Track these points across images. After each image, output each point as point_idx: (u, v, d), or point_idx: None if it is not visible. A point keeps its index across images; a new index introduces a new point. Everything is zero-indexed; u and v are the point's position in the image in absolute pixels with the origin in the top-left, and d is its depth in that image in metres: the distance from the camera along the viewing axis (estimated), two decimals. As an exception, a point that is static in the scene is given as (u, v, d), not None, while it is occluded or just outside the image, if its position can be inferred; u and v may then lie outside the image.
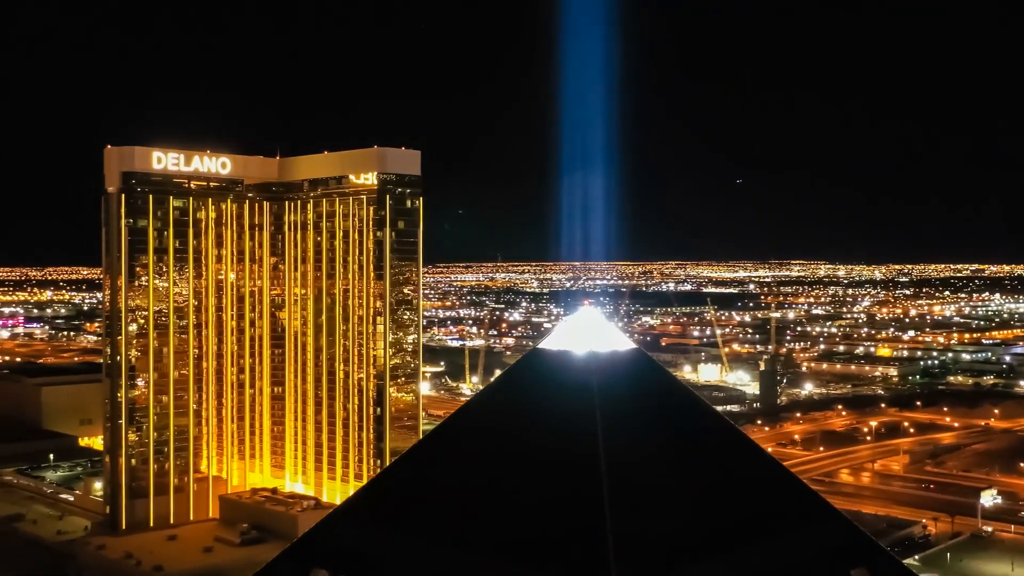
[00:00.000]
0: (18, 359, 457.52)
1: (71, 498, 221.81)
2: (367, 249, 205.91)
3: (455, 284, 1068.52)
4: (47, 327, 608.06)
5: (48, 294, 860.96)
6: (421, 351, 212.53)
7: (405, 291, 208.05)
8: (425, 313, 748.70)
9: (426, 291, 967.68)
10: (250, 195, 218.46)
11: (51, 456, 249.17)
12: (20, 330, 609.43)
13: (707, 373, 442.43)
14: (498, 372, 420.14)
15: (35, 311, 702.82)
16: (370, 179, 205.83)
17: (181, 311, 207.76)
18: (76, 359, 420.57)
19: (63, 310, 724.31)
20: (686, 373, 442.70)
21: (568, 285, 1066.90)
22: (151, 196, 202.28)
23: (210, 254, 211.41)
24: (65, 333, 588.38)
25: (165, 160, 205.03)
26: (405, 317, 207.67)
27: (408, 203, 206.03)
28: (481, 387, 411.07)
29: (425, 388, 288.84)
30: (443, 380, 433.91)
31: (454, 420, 66.80)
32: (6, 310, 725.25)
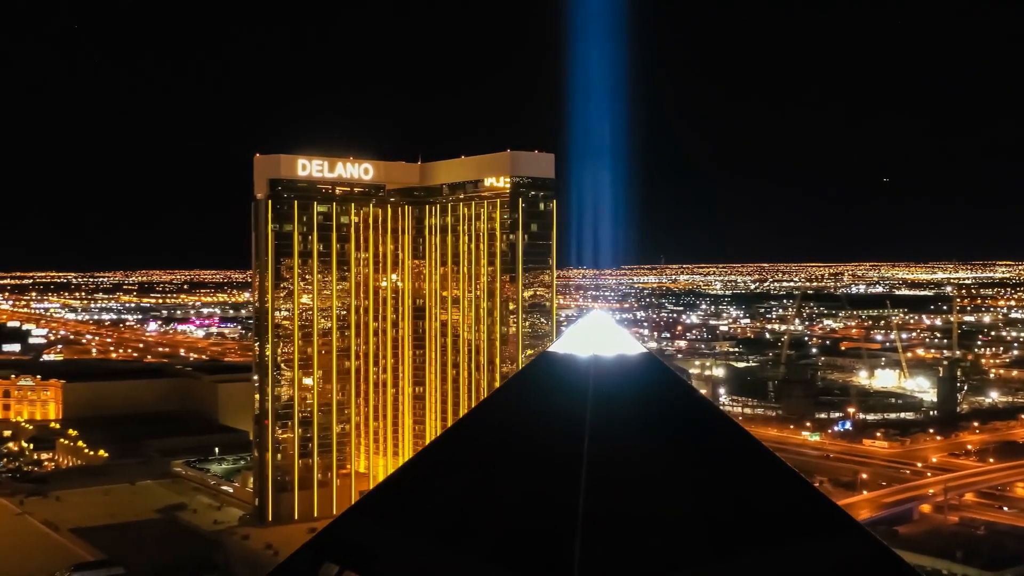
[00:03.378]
0: (206, 357, 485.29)
1: (230, 490, 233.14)
2: (500, 252, 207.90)
3: (636, 286, 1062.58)
4: (239, 327, 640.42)
5: (247, 295, 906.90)
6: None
7: (539, 293, 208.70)
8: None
9: (606, 293, 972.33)
10: (392, 199, 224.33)
11: (216, 449, 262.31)
12: (214, 330, 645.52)
13: (884, 378, 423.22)
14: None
15: (231, 312, 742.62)
16: (504, 182, 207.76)
17: (325, 313, 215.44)
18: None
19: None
20: (861, 378, 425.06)
21: (753, 287, 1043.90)
22: (296, 202, 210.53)
23: (352, 257, 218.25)
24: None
25: (309, 167, 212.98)
26: (538, 319, 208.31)
27: (541, 206, 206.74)
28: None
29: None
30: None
31: (463, 421, 66.97)
32: (205, 311, 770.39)
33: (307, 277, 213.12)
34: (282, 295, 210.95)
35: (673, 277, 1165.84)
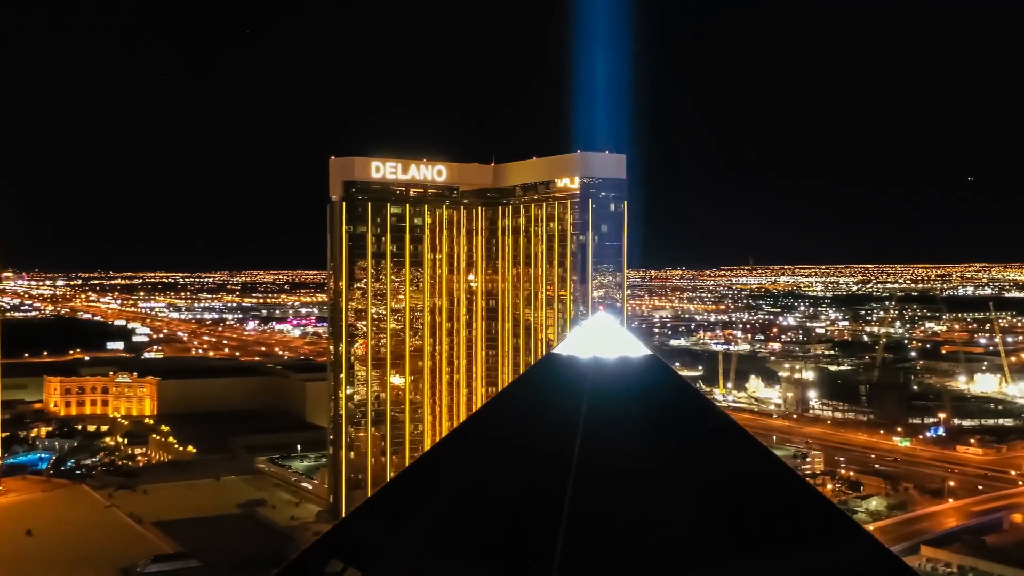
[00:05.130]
0: (300, 356, 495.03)
1: (309, 487, 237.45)
2: (571, 252, 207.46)
3: (735, 287, 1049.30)
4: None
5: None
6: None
7: (609, 294, 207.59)
8: (696, 316, 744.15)
9: (703, 294, 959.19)
10: (466, 201, 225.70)
11: (299, 447, 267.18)
12: (310, 329, 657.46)
13: (984, 383, 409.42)
14: (753, 377, 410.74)
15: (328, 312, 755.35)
16: (573, 183, 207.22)
17: (398, 313, 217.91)
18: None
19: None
20: (960, 383, 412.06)
21: (854, 288, 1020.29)
22: (370, 203, 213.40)
23: (426, 258, 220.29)
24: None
25: (383, 169, 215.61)
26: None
27: (611, 207, 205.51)
28: (733, 392, 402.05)
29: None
30: (698, 385, 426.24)
31: (466, 423, 67.06)
32: (303, 310, 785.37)
33: (381, 278, 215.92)
34: (356, 295, 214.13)
35: (773, 278, 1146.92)
